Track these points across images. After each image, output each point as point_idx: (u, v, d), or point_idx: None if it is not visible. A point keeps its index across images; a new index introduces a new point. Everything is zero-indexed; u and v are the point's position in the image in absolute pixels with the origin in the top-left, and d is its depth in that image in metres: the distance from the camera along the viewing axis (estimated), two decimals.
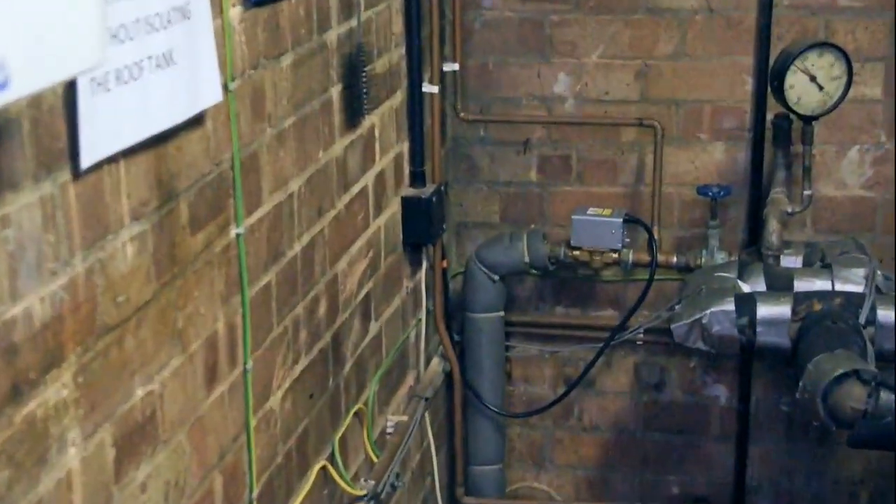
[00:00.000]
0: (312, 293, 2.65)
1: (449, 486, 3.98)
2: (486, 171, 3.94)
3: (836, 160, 3.73)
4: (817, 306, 3.28)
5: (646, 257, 3.68)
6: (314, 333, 2.67)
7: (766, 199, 3.59)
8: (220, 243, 2.14)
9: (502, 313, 3.86)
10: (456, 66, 3.71)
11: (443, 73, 3.66)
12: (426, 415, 3.57)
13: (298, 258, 2.55)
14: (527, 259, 3.72)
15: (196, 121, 2.00)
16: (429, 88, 3.46)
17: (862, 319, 3.25)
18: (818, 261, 3.47)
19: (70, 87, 1.60)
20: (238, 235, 2.19)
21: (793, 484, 3.98)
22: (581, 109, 3.83)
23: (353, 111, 2.86)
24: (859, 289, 3.29)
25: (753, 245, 3.69)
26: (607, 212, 3.64)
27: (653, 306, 3.78)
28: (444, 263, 3.69)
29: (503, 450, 4.04)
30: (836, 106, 3.43)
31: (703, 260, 3.66)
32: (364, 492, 2.93)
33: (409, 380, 3.53)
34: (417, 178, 3.42)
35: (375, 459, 3.09)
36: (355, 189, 2.93)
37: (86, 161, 1.64)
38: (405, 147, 3.38)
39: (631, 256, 3.67)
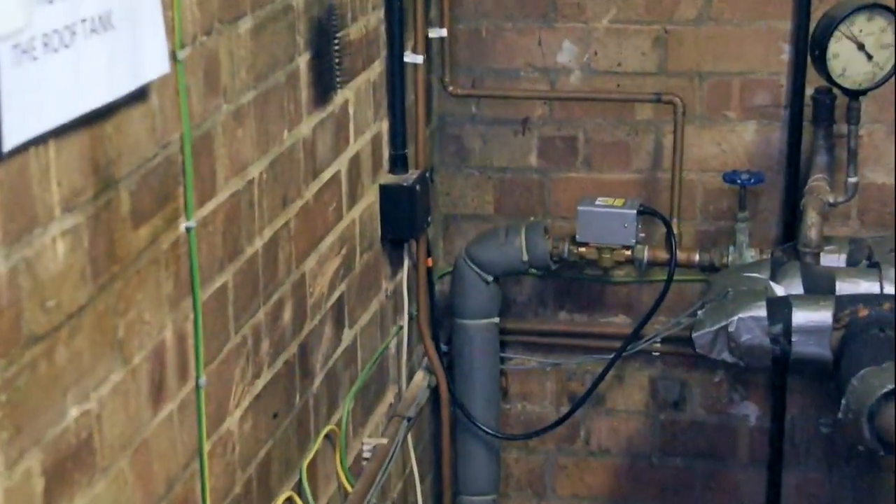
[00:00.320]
0: (276, 296, 2.64)
1: None
2: (478, 154, 3.94)
3: (885, 142, 3.73)
4: (863, 312, 3.29)
5: (664, 255, 3.69)
6: (278, 343, 2.66)
7: (805, 187, 3.59)
8: (168, 239, 2.13)
9: (497, 320, 3.86)
10: (443, 33, 3.71)
11: (428, 41, 3.65)
12: (409, 437, 3.58)
13: (259, 256, 2.54)
14: (525, 257, 3.72)
15: (139, 96, 1.99)
16: (412, 58, 3.47)
17: None
18: (864, 259, 3.47)
19: None
20: (188, 229, 2.19)
21: None
22: (589, 83, 3.83)
23: (324, 85, 2.86)
24: None
25: (789, 241, 3.69)
26: (619, 202, 3.64)
27: (671, 311, 3.79)
28: (430, 262, 3.69)
29: (498, 478, 4.04)
30: (887, 79, 3.43)
31: (731, 258, 3.66)
32: None
33: (389, 397, 3.53)
34: (398, 163, 3.42)
35: (350, 489, 3.09)
36: (326, 175, 2.93)
37: (8, 143, 1.62)
38: (384, 127, 3.38)
39: (646, 254, 3.67)
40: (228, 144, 2.37)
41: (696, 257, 3.71)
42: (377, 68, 3.30)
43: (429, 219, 3.58)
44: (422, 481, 3.73)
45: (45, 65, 1.67)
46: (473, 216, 3.99)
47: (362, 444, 3.29)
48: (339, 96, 2.99)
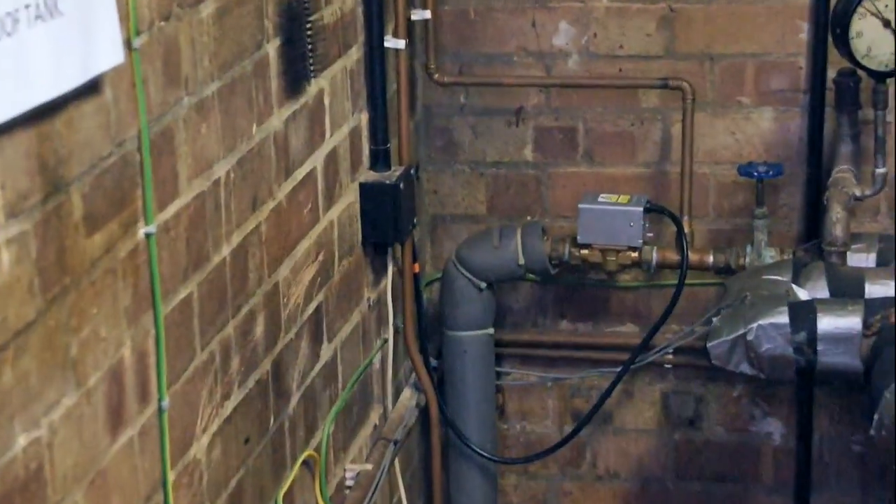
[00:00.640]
0: (246, 308, 2.64)
1: None
2: (467, 148, 3.95)
3: None
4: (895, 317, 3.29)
5: (674, 256, 3.69)
6: (249, 360, 2.66)
7: (828, 179, 3.60)
8: (125, 246, 2.13)
9: (491, 331, 3.87)
10: (427, 15, 3.71)
11: (410, 24, 3.66)
12: (396, 462, 3.58)
13: (227, 264, 2.54)
14: (522, 261, 3.72)
15: (91, 89, 1.99)
16: (392, 43, 3.47)
17: None
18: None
19: None
20: (148, 236, 2.19)
21: None
22: (588, 68, 3.84)
23: (296, 73, 2.86)
24: None
25: (812, 239, 3.70)
26: (624, 199, 3.65)
27: (684, 319, 3.79)
28: (416, 268, 3.69)
29: None
30: None
31: (748, 259, 3.66)
32: None
33: (374, 418, 3.53)
34: (380, 159, 3.42)
35: None
36: (300, 174, 2.93)
37: None
38: (363, 119, 3.38)
39: (655, 256, 3.68)
40: (191, 141, 2.37)
41: (710, 259, 3.71)
42: (354, 55, 3.30)
43: (414, 220, 3.57)
44: None
45: None
46: (464, 216, 3.99)
47: (344, 470, 3.29)
48: (313, 86, 2.99)
